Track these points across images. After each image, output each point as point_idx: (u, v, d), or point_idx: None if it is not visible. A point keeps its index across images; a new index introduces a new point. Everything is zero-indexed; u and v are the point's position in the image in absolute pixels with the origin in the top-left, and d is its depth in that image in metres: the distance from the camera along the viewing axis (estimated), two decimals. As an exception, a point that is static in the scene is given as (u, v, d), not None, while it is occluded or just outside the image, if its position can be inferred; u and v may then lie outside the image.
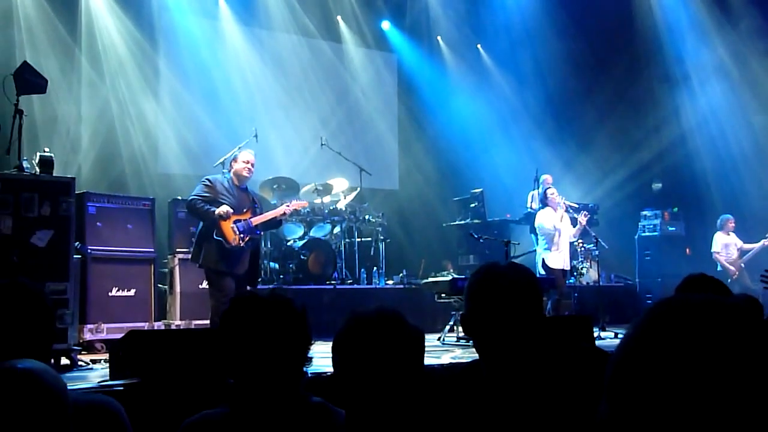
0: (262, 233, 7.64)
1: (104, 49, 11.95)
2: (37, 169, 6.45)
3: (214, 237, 7.03)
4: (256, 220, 7.33)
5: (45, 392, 1.57)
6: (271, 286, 9.72)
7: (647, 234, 13.27)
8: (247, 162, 7.37)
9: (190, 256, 7.67)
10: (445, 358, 6.81)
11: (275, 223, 7.80)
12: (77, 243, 7.33)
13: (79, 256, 7.57)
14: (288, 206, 7.85)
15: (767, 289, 4.47)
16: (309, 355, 2.16)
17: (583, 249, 11.64)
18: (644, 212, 13.51)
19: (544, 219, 9.89)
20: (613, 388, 0.92)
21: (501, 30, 15.53)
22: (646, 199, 14.17)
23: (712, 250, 12.03)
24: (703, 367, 0.85)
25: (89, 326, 7.80)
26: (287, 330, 2.08)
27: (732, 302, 0.91)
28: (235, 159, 7.45)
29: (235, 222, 7.12)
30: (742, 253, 12.00)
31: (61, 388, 1.62)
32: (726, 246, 11.99)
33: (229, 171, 7.47)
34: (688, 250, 13.25)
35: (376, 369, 1.93)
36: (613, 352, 0.96)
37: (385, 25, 15.57)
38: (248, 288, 7.34)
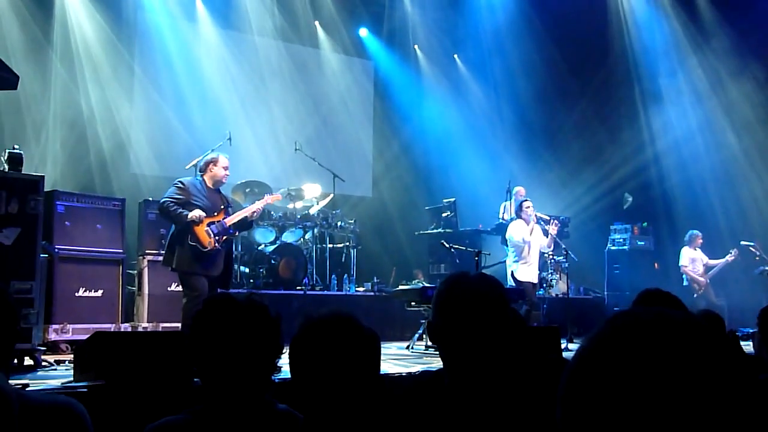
0: (236, 233, 7.61)
1: (78, 48, 11.85)
2: (6, 166, 6.36)
3: (189, 242, 6.96)
4: (230, 220, 7.29)
5: None
6: (241, 291, 9.66)
7: (617, 248, 13.38)
8: (227, 167, 7.33)
9: (160, 258, 7.61)
10: (417, 368, 6.82)
11: (247, 224, 7.75)
12: (44, 242, 7.24)
13: (46, 255, 7.48)
14: (262, 202, 7.84)
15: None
16: (278, 364, 2.13)
17: (553, 261, 11.70)
18: (614, 226, 13.62)
19: (514, 231, 9.93)
20: (565, 397, 0.93)
21: (478, 41, 15.62)
22: (616, 214, 14.29)
23: (680, 264, 12.17)
24: (651, 382, 0.86)
25: (54, 326, 7.70)
26: (260, 336, 2.05)
27: (684, 317, 0.92)
28: (214, 163, 7.33)
29: (208, 225, 7.07)
30: (708, 268, 12.15)
31: (9, 394, 1.60)
32: (693, 261, 12.13)
33: (203, 174, 7.38)
34: (656, 264, 13.39)
35: (331, 371, 1.93)
36: (568, 363, 0.97)
37: (363, 32, 15.59)
38: (221, 290, 7.30)
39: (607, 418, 0.87)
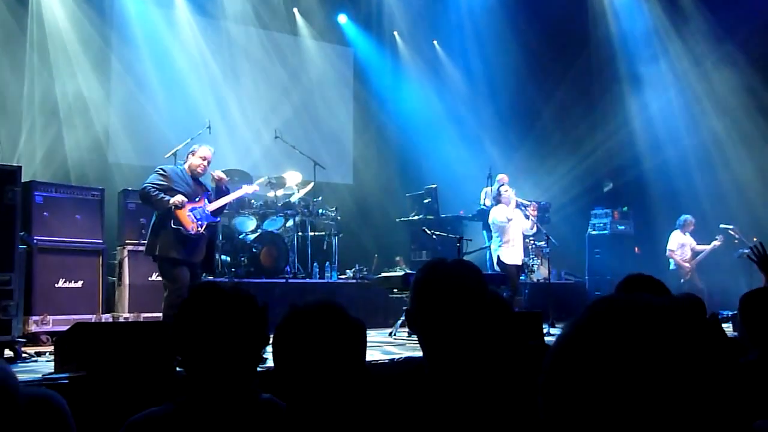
0: (219, 220, 7.62)
1: (54, 35, 11.72)
2: (-18, 157, 6.30)
3: (172, 226, 6.98)
4: (212, 207, 7.32)
5: None
6: (223, 279, 9.64)
7: (597, 232, 13.45)
8: (204, 158, 7.32)
9: (140, 248, 7.58)
10: (399, 355, 6.83)
11: (224, 207, 7.80)
12: (23, 233, 7.17)
13: (25, 246, 7.41)
14: (239, 192, 7.87)
15: (751, 259, 4.47)
16: (264, 356, 2.11)
17: (534, 246, 11.76)
18: (594, 211, 13.69)
19: (497, 213, 9.99)
20: (546, 384, 0.93)
21: (457, 27, 15.62)
22: (596, 199, 14.36)
23: (667, 248, 12.15)
24: (632, 367, 0.86)
25: (34, 318, 7.64)
26: (246, 326, 2.04)
27: (665, 302, 0.92)
28: (193, 152, 7.38)
29: (191, 209, 7.11)
30: (695, 254, 12.17)
31: (12, 380, 1.58)
32: (682, 246, 12.12)
33: (184, 162, 7.42)
34: (636, 249, 13.47)
35: (316, 361, 1.91)
36: (549, 349, 0.97)
37: (342, 18, 15.54)
38: (204, 276, 7.34)
39: (589, 404, 0.87)
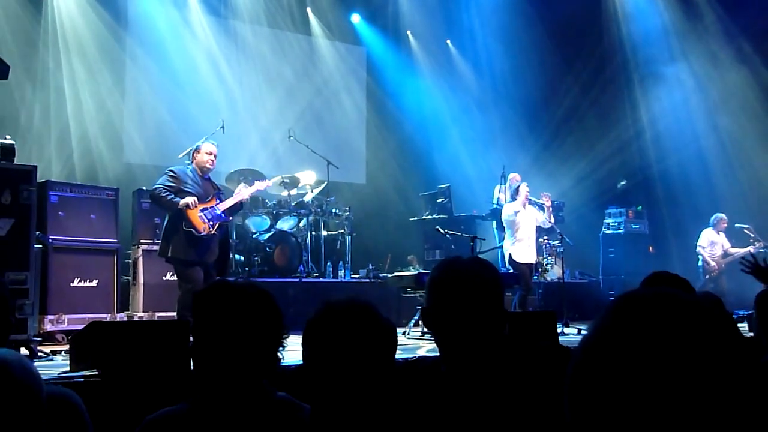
0: (231, 218, 7.59)
1: (69, 37, 11.79)
2: (-2, 157, 6.32)
3: (184, 228, 6.98)
4: (223, 206, 7.30)
5: (17, 384, 1.53)
6: (237, 279, 9.65)
7: (611, 232, 13.40)
8: (210, 153, 7.32)
9: (154, 247, 7.60)
10: (420, 353, 6.82)
11: (238, 206, 7.76)
12: (38, 232, 7.21)
13: (41, 246, 7.45)
14: (252, 188, 7.85)
15: (744, 271, 4.55)
16: (280, 356, 2.08)
17: (548, 245, 11.72)
18: (609, 210, 13.63)
19: (507, 209, 9.95)
20: (573, 384, 0.92)
21: (470, 26, 15.59)
22: (611, 197, 14.30)
23: (697, 244, 11.98)
24: (661, 367, 0.85)
25: (50, 317, 7.68)
26: (261, 322, 2.02)
27: (690, 298, 0.92)
28: (197, 150, 7.39)
29: (202, 210, 7.10)
30: (725, 254, 11.99)
31: (36, 379, 1.59)
32: (712, 243, 11.94)
33: (192, 162, 7.41)
34: (651, 248, 13.41)
35: (348, 359, 1.90)
36: (573, 352, 0.96)
37: (355, 18, 15.53)
38: (219, 278, 7.31)
39: (616, 402, 0.86)
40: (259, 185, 8.08)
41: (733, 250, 11.95)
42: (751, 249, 11.72)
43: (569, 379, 0.93)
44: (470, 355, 2.07)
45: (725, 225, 12.01)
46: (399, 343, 2.07)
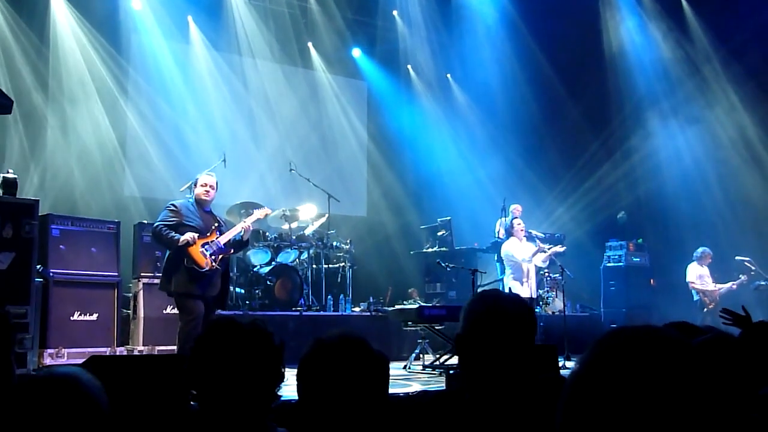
0: (231, 251, 7.52)
1: (72, 70, 11.88)
2: (0, 191, 6.35)
3: (185, 265, 6.93)
4: (223, 239, 7.25)
5: (83, 397, 1.59)
6: (238, 312, 9.63)
7: (612, 264, 13.37)
8: (205, 185, 7.28)
9: (155, 281, 7.57)
10: (415, 387, 6.79)
11: (243, 243, 7.69)
12: (39, 266, 7.22)
13: (41, 280, 7.46)
14: (252, 218, 7.79)
15: (726, 324, 4.54)
16: (278, 393, 2.09)
17: (549, 278, 11.70)
18: (609, 243, 13.62)
19: (513, 249, 9.92)
20: (564, 416, 0.93)
21: (470, 61, 15.70)
22: (611, 230, 14.30)
23: (687, 280, 11.93)
24: (642, 400, 0.86)
25: (49, 351, 7.65)
26: (262, 363, 2.02)
27: (673, 335, 0.93)
28: (195, 183, 7.37)
29: (203, 246, 7.04)
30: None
31: (98, 391, 1.64)
32: (701, 277, 11.91)
33: (192, 195, 7.39)
34: (652, 281, 13.38)
35: (341, 394, 1.92)
36: (565, 382, 0.98)
37: (356, 52, 15.66)
38: (218, 311, 7.28)
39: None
40: (258, 213, 8.00)
41: (719, 286, 11.88)
42: (733, 284, 11.70)
43: (559, 410, 0.94)
44: (498, 386, 2.12)
45: (710, 260, 11.98)
46: (399, 377, 2.09)
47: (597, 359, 0.93)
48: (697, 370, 0.89)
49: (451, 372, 6.17)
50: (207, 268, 6.97)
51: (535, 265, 10.22)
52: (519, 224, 10.06)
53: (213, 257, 7.05)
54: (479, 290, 2.39)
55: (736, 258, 12.05)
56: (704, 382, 0.88)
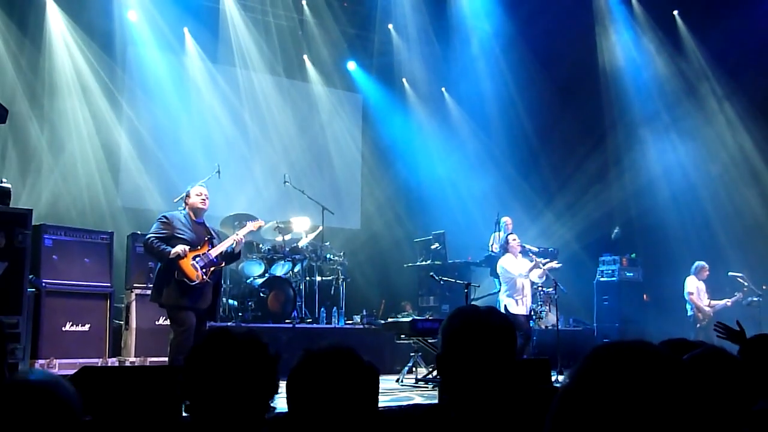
0: (223, 263, 7.48)
1: (67, 81, 11.88)
2: (-6, 200, 6.34)
3: (176, 278, 6.88)
4: (215, 251, 7.21)
5: (57, 405, 1.59)
6: (230, 324, 9.60)
7: (605, 279, 13.37)
8: (200, 194, 7.24)
9: (148, 292, 7.53)
10: (415, 401, 6.77)
11: (235, 255, 7.65)
12: (32, 276, 7.19)
13: (34, 290, 7.42)
14: (245, 230, 7.73)
15: (720, 337, 4.57)
16: (272, 404, 2.09)
17: (542, 293, 11.70)
18: (603, 258, 13.63)
19: (509, 266, 9.86)
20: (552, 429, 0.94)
21: (465, 75, 15.74)
22: (604, 245, 14.31)
23: (686, 292, 11.82)
24: (627, 414, 0.87)
25: (41, 362, 7.60)
26: (257, 374, 2.02)
27: (660, 351, 0.94)
28: (188, 195, 7.31)
29: (194, 258, 6.99)
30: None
31: (74, 400, 1.64)
32: (698, 290, 11.85)
33: (185, 207, 7.35)
34: (645, 296, 13.39)
35: (330, 405, 1.92)
36: (554, 395, 0.98)
37: (351, 65, 15.70)
38: (208, 323, 7.24)
39: None
40: (251, 226, 7.94)
41: (714, 302, 11.85)
42: (728, 302, 11.69)
43: (548, 428, 0.95)
44: (481, 403, 2.10)
45: (707, 273, 11.93)
46: (391, 391, 2.10)
47: (586, 373, 0.94)
48: (686, 386, 0.90)
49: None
50: (197, 281, 6.92)
51: (531, 281, 10.20)
52: (514, 239, 10.04)
53: (204, 270, 7.00)
54: (456, 308, 2.35)
55: (729, 273, 12.06)
56: (693, 398, 0.89)
